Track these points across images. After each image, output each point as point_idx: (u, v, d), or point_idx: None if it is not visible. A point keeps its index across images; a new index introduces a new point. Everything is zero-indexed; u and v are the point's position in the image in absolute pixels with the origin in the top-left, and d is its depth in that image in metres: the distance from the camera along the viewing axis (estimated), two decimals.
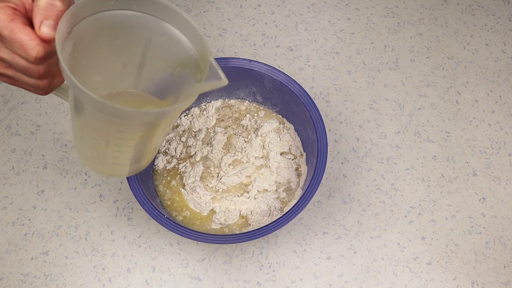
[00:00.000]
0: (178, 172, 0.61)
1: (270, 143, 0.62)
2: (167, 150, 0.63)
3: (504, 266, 0.60)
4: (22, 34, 0.27)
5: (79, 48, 0.32)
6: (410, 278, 0.59)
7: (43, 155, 0.65)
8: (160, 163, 0.61)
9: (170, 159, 0.62)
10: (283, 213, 0.55)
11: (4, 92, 0.69)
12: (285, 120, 0.65)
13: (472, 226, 0.62)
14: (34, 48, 0.28)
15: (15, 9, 0.28)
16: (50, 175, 0.64)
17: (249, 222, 0.58)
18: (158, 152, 0.63)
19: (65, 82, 0.35)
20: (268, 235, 0.54)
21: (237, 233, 0.55)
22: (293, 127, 0.64)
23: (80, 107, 0.32)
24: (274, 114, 0.65)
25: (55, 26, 0.28)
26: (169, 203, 0.60)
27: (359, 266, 0.60)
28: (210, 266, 0.59)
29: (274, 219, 0.57)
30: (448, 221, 0.63)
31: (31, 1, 0.29)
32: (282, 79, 0.57)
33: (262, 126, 0.63)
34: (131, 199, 0.63)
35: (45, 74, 0.31)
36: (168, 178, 0.61)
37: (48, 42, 0.29)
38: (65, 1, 0.29)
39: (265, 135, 0.63)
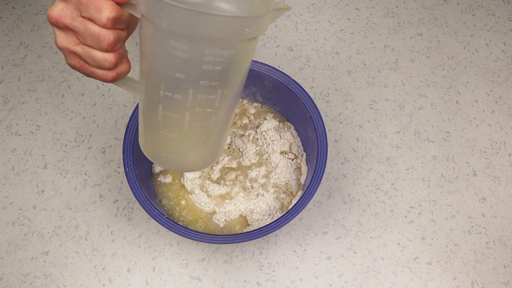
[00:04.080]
0: (178, 172, 0.61)
1: (270, 141, 0.62)
2: None
3: (504, 266, 0.60)
4: (100, 1, 0.29)
5: None
6: (410, 278, 0.59)
7: (43, 155, 0.65)
8: (158, 167, 0.61)
9: None
10: (283, 213, 0.55)
11: (4, 92, 0.69)
12: (285, 119, 0.65)
13: (472, 226, 0.62)
14: (108, 7, 0.29)
15: None
16: (50, 175, 0.64)
17: (249, 222, 0.58)
18: None
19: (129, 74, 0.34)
20: (268, 235, 0.54)
21: (237, 233, 0.55)
22: (293, 127, 0.64)
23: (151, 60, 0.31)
24: (274, 114, 0.65)
25: None
26: (171, 203, 0.60)
27: (359, 266, 0.60)
28: (210, 266, 0.59)
29: (274, 219, 0.57)
30: (448, 221, 0.63)
31: None
32: (282, 79, 0.57)
33: (262, 124, 0.63)
34: (131, 199, 0.63)
35: (114, 44, 0.31)
36: (168, 178, 0.61)
37: (120, 7, 0.30)
38: None
39: (265, 133, 0.63)
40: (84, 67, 0.33)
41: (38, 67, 0.71)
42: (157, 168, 0.61)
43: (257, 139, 0.63)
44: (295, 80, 0.62)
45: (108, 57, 0.32)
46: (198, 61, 0.30)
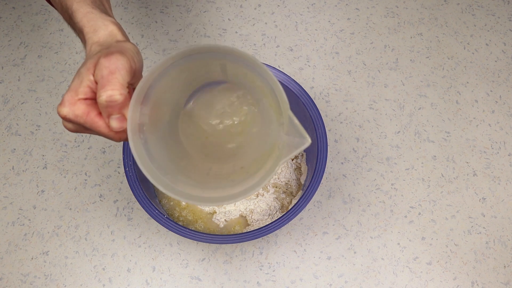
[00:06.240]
0: None
1: None
2: None
3: (504, 266, 0.60)
4: (101, 128, 0.31)
5: (161, 101, 0.33)
6: (410, 278, 0.59)
7: (43, 155, 0.65)
8: None
9: None
10: (283, 213, 0.55)
11: (4, 92, 0.69)
12: None
13: (472, 226, 0.62)
14: (115, 137, 0.31)
15: (86, 99, 0.30)
16: (50, 175, 0.64)
17: (249, 222, 0.58)
18: None
19: None
20: (268, 235, 0.54)
21: (237, 233, 0.55)
22: None
23: None
24: None
25: (122, 118, 0.30)
26: (171, 203, 0.60)
27: (359, 266, 0.60)
28: (210, 266, 0.59)
29: (274, 219, 0.57)
30: (448, 221, 0.63)
31: (94, 81, 0.30)
32: (282, 79, 0.57)
33: None
34: (131, 199, 0.63)
35: (127, 138, 0.33)
36: None
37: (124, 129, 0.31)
38: (123, 90, 0.30)
39: None
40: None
41: (38, 67, 0.71)
42: None
43: None
44: (295, 80, 0.62)
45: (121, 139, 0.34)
46: None
